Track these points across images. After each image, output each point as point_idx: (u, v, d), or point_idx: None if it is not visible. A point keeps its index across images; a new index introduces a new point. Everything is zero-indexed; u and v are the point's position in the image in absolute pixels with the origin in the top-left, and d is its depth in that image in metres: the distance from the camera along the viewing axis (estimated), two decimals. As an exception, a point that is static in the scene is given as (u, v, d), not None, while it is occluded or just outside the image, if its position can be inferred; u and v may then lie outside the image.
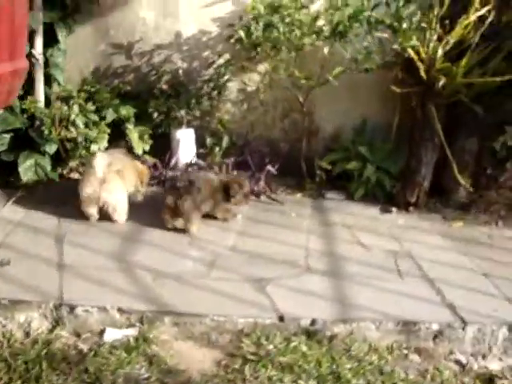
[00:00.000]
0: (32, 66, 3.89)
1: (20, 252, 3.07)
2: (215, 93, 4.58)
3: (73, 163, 4.21)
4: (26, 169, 3.81)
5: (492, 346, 2.72)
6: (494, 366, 2.66)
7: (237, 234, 3.54)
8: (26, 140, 3.90)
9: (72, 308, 2.56)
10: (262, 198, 4.21)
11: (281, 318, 2.63)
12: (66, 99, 3.98)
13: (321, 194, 4.44)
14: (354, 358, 2.52)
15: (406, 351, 2.66)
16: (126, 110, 3.99)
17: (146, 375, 2.31)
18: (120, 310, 2.58)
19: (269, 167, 4.19)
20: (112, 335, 2.53)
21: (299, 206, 4.16)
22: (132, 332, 2.55)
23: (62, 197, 3.78)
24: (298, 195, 4.41)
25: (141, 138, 4.23)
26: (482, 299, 2.96)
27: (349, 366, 2.46)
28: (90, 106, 3.85)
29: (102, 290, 2.74)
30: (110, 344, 2.46)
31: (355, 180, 4.41)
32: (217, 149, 4.45)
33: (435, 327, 2.68)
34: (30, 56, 3.83)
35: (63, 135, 3.78)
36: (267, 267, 3.11)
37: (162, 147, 4.38)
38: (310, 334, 2.62)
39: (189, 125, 4.54)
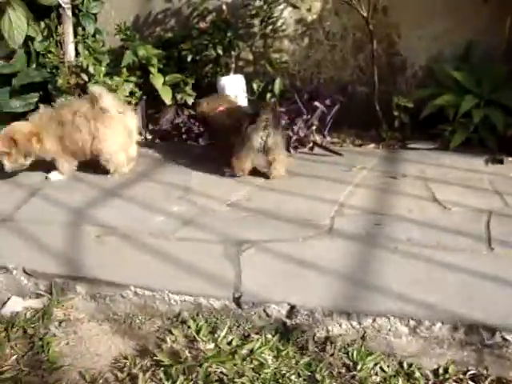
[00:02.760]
0: (59, 16, 3.46)
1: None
2: (269, 29, 3.68)
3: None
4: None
5: None
6: None
7: (252, 187, 2.58)
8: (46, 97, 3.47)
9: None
10: (316, 149, 3.12)
11: (237, 301, 1.65)
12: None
13: (403, 144, 3.24)
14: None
15: (472, 384, 1.44)
16: (146, 50, 3.29)
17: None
18: (26, 273, 1.87)
19: (317, 104, 3.08)
20: (12, 307, 1.84)
21: (364, 157, 2.99)
22: (36, 304, 1.83)
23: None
24: (371, 146, 3.24)
25: (176, 87, 3.53)
26: None
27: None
28: (100, 47, 3.24)
29: (27, 246, 2.03)
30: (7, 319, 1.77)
31: (452, 123, 3.11)
32: (268, 95, 3.53)
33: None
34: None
35: (73, 83, 3.24)
36: (266, 228, 2.11)
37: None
38: (286, 331, 1.60)
39: (239, 71, 3.72)
